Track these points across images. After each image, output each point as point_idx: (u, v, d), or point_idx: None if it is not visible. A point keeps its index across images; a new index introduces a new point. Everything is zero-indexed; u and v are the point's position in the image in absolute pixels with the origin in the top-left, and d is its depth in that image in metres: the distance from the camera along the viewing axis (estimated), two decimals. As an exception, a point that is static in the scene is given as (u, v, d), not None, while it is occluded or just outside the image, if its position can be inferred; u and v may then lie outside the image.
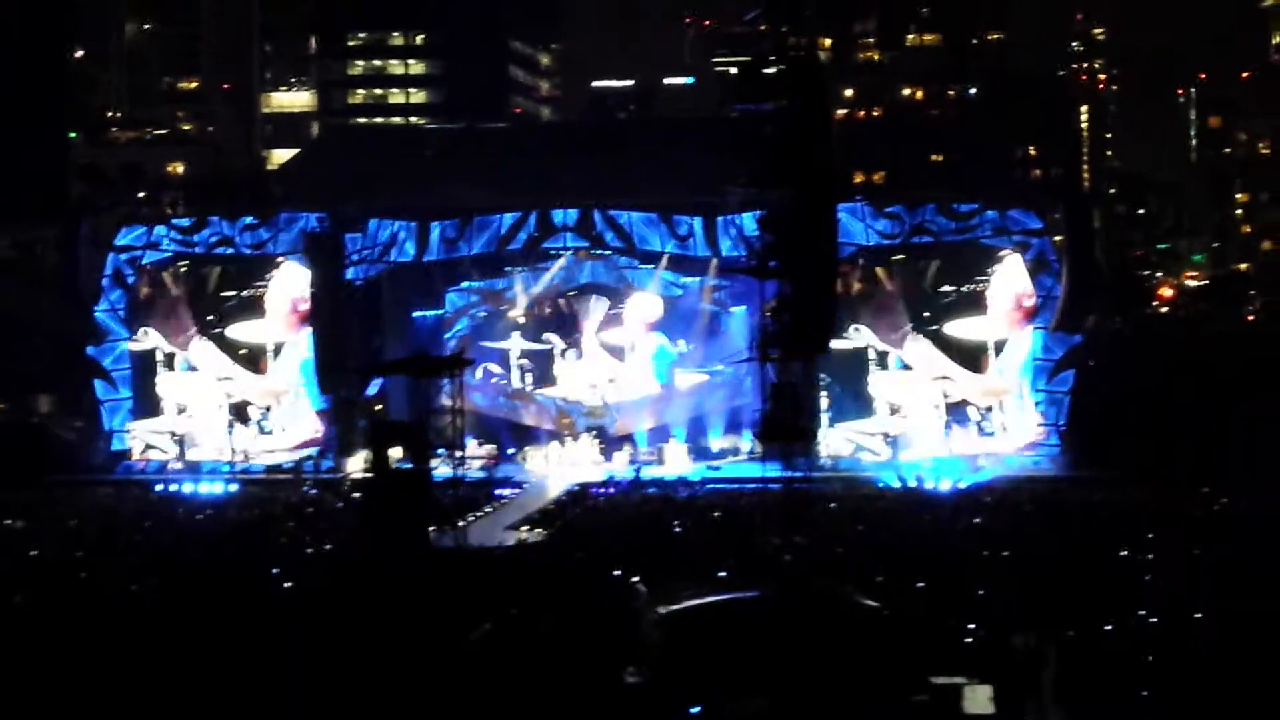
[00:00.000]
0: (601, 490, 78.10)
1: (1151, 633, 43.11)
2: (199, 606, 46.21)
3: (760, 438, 74.68)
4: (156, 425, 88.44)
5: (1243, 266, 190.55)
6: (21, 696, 38.26)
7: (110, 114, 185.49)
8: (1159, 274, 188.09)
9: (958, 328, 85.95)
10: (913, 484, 78.82)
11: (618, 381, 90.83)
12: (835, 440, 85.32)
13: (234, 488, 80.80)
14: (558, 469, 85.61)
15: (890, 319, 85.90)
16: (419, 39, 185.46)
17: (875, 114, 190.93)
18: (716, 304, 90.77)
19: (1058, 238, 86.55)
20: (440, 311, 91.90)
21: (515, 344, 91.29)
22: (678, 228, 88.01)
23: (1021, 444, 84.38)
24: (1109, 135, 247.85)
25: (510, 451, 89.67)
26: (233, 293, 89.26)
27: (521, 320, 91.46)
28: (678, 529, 63.50)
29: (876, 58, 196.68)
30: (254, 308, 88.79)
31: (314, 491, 78.44)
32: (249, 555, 57.22)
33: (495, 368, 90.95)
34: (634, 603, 45.43)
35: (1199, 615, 44.30)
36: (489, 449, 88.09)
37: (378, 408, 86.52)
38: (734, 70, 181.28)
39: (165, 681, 39.03)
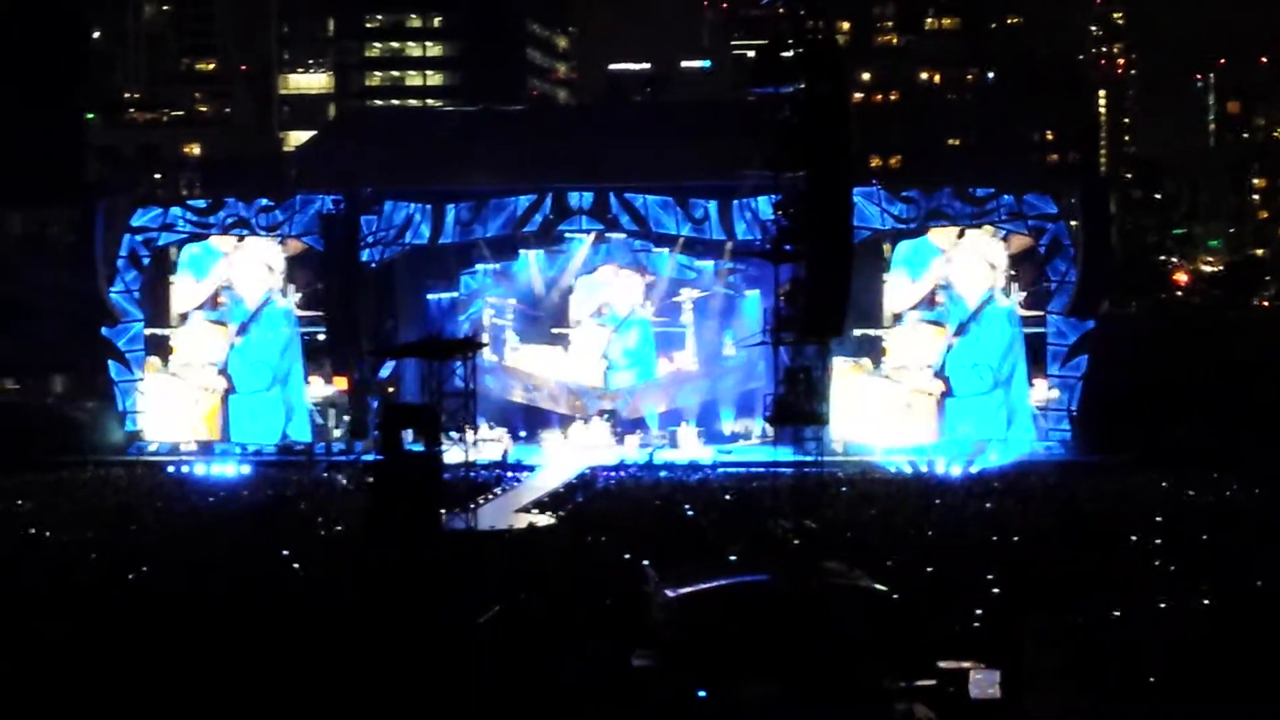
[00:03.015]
0: (613, 474, 78.14)
1: (1160, 619, 43.13)
2: (211, 588, 46.36)
3: (772, 421, 74.58)
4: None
5: (1259, 252, 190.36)
6: (33, 677, 38.42)
7: (127, 95, 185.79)
8: (1175, 259, 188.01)
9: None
10: (924, 469, 78.79)
11: (612, 361, 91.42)
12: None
13: (246, 469, 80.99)
14: (570, 452, 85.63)
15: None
16: (437, 21, 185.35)
17: (893, 98, 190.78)
18: (731, 287, 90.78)
19: (1074, 223, 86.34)
20: (455, 294, 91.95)
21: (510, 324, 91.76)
22: (693, 211, 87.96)
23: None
24: (1127, 120, 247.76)
25: (522, 435, 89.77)
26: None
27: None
28: (689, 513, 63.60)
29: (894, 41, 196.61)
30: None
31: (326, 474, 78.63)
32: (261, 537, 57.40)
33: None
34: (644, 586, 45.52)
35: (1207, 602, 44.37)
36: (501, 432, 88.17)
37: (390, 390, 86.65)
38: (751, 53, 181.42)
39: (177, 662, 39.17)
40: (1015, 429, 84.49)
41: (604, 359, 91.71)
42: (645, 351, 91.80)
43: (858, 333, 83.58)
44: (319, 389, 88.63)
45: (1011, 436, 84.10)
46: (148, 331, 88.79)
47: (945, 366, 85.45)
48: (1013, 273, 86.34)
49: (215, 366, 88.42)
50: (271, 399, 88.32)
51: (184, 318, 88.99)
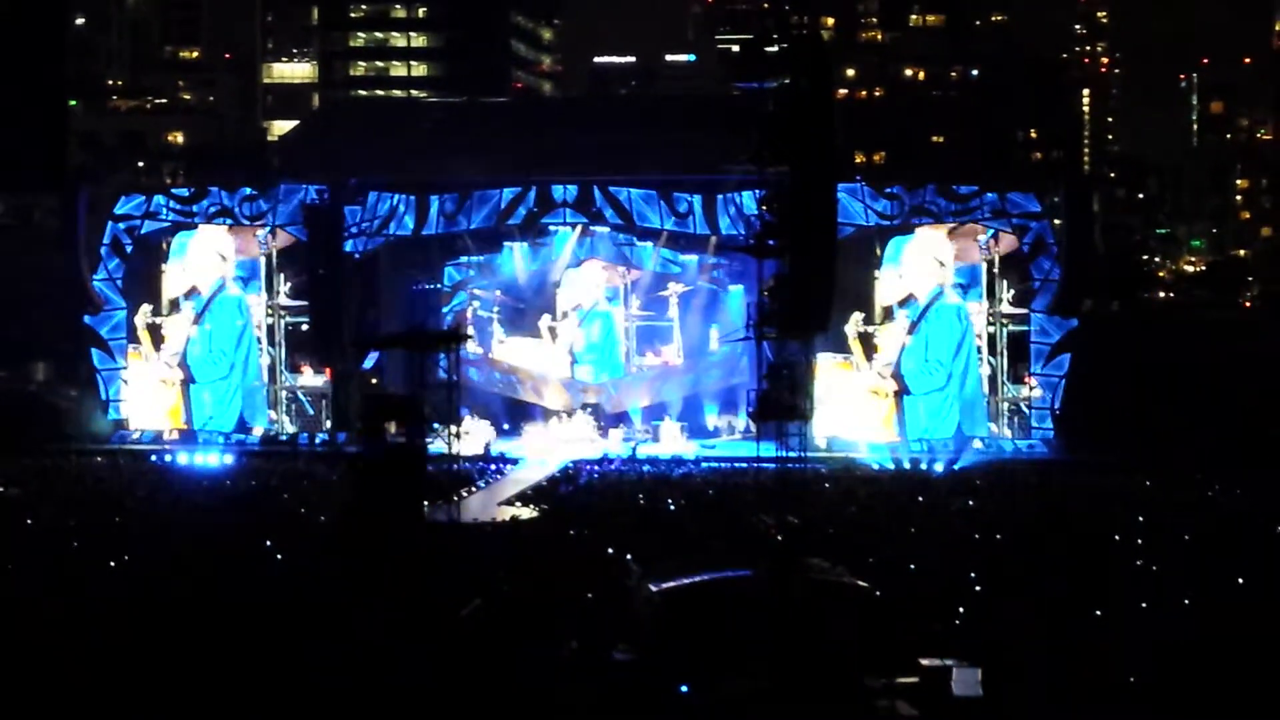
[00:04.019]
0: (596, 468, 78.13)
1: (1142, 619, 43.23)
2: (191, 577, 46.32)
3: (755, 417, 74.46)
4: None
5: (1241, 253, 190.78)
6: (15, 665, 38.36)
7: (111, 82, 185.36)
8: (1157, 259, 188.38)
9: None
10: (907, 466, 78.85)
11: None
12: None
13: (230, 459, 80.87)
14: (553, 446, 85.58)
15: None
16: (421, 12, 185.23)
17: (877, 94, 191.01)
18: (715, 282, 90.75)
19: (1057, 221, 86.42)
20: (438, 285, 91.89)
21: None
22: (677, 205, 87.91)
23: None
24: (1110, 119, 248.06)
25: (506, 427, 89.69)
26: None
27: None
28: (671, 507, 63.63)
29: (879, 38, 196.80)
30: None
31: (308, 465, 78.46)
32: (244, 527, 57.34)
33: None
34: (626, 580, 45.55)
35: (1189, 602, 44.47)
36: (484, 425, 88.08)
37: (373, 381, 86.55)
38: (736, 47, 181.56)
39: (159, 650, 39.14)
40: (972, 425, 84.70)
41: (569, 353, 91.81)
42: (608, 345, 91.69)
43: (852, 330, 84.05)
44: (309, 379, 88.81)
45: (975, 433, 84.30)
46: (149, 319, 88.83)
47: (900, 364, 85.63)
48: (995, 271, 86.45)
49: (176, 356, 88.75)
50: (230, 387, 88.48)
51: (174, 305, 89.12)
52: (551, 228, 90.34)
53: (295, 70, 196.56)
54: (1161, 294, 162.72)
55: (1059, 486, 70.04)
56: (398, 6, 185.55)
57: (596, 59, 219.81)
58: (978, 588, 46.39)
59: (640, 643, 40.90)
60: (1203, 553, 52.17)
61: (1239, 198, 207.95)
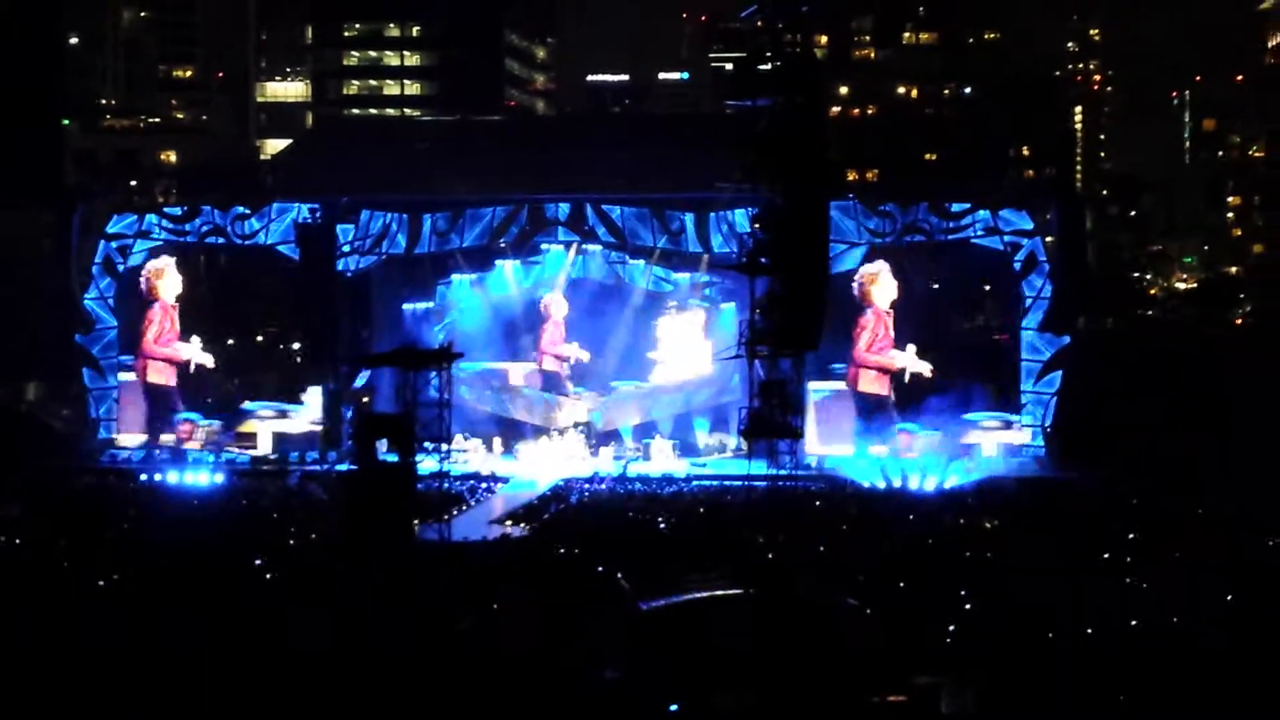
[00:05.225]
0: (588, 486, 78.08)
1: (1132, 636, 43.20)
2: (178, 597, 46.24)
3: (746, 435, 74.52)
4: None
5: (1233, 270, 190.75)
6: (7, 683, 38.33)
7: (105, 101, 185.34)
8: (1149, 276, 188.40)
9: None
10: (897, 484, 78.77)
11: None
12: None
13: (220, 478, 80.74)
14: (545, 464, 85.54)
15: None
16: (415, 30, 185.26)
17: (870, 112, 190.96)
18: (707, 300, 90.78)
19: (1049, 238, 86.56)
20: (430, 304, 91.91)
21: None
22: (670, 223, 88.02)
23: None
24: (1103, 136, 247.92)
25: (497, 446, 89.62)
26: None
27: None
28: (662, 526, 63.57)
29: (872, 55, 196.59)
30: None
31: (299, 484, 78.36)
32: (234, 546, 57.25)
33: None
34: (617, 598, 45.49)
35: (1176, 619, 44.47)
36: (476, 443, 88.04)
37: (365, 400, 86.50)
38: (729, 66, 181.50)
39: (150, 670, 39.10)
40: None
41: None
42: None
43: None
44: None
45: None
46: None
47: None
48: (987, 288, 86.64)
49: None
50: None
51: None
52: (544, 246, 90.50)
53: (289, 89, 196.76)
54: (1152, 312, 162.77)
55: (1049, 503, 70.00)
56: (391, 25, 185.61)
57: (590, 77, 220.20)
58: (969, 605, 46.34)
59: (631, 661, 40.87)
60: (1194, 570, 52.13)
61: (1231, 215, 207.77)
